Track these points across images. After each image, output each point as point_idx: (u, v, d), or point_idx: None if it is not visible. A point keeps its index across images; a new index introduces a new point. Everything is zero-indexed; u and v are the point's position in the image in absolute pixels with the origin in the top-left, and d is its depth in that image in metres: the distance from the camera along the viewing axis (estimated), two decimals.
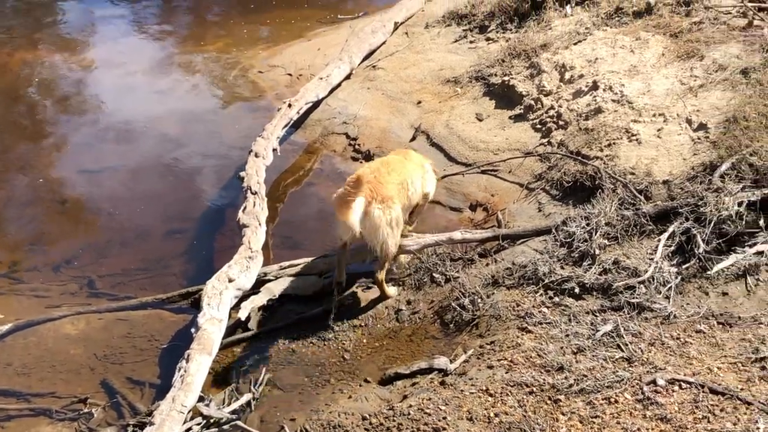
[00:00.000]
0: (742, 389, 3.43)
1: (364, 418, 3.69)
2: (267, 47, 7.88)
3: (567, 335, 3.92)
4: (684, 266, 4.13)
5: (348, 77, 7.00)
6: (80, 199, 5.96)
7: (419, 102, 6.42)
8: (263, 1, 8.68)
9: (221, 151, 6.41)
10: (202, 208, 5.73)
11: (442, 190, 5.47)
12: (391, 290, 4.67)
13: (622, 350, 3.76)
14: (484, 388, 3.68)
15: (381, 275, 4.56)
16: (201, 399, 3.85)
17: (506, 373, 3.75)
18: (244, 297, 4.56)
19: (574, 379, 3.61)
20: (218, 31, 8.29)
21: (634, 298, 4.02)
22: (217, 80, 7.45)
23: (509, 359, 3.86)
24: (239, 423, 3.85)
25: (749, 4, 5.84)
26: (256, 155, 5.62)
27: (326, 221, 5.35)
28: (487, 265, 4.63)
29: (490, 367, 3.85)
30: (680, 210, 4.35)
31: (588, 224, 4.49)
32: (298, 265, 4.85)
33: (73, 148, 6.66)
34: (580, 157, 5.11)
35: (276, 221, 5.46)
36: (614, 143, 5.11)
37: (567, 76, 5.92)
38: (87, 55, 8.17)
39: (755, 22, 5.68)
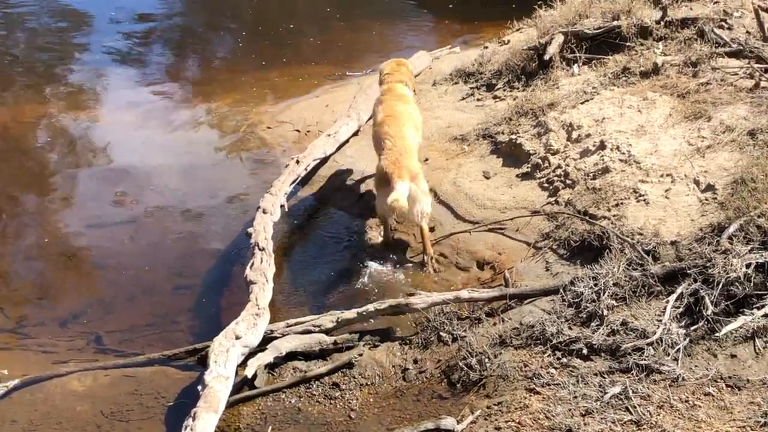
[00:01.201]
0: None
1: None
2: (275, 103, 7.94)
3: (575, 397, 3.90)
4: (692, 328, 4.12)
5: (356, 134, 7.04)
6: (87, 254, 5.98)
7: (426, 159, 6.45)
8: (273, 58, 8.75)
9: (229, 206, 6.43)
10: (209, 263, 5.73)
11: (447, 248, 5.52)
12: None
13: (631, 413, 3.74)
14: None
15: (426, 231, 5.51)
16: None
17: None
18: (251, 354, 4.54)
19: None
20: (228, 87, 8.36)
21: (642, 359, 4.00)
22: (226, 135, 7.49)
23: (517, 421, 3.84)
24: None
25: (756, 66, 5.89)
26: (264, 211, 5.63)
27: (329, 276, 5.42)
28: (495, 324, 4.61)
29: (498, 428, 3.83)
30: (688, 271, 4.34)
31: (596, 284, 4.49)
32: (305, 322, 4.84)
33: (79, 203, 6.68)
34: (587, 217, 5.12)
35: (282, 277, 5.47)
36: (622, 203, 5.12)
37: (574, 135, 5.95)
38: (95, 112, 8.22)
39: (762, 84, 5.72)
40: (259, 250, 5.19)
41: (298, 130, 7.42)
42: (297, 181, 6.25)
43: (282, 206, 5.88)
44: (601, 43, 6.84)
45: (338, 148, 6.81)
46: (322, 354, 4.69)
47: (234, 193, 6.60)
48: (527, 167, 5.98)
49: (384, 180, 5.47)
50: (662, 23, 6.61)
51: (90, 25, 10.21)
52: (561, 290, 4.59)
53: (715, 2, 6.78)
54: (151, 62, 9.29)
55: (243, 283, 4.94)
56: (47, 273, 5.75)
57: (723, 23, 6.52)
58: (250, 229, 5.44)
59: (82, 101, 8.42)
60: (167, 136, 7.60)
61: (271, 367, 4.61)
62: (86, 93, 8.59)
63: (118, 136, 7.66)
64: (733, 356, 4.00)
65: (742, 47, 6.20)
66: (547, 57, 6.84)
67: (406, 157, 5.57)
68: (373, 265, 5.52)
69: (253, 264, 5.05)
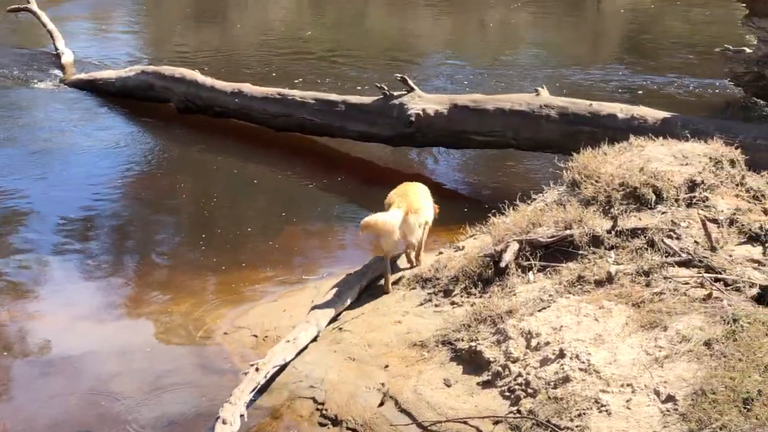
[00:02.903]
0: None
1: None
2: (233, 308, 7.93)
3: None
4: None
5: (315, 339, 7.03)
6: None
7: (386, 366, 6.45)
8: (232, 262, 8.82)
9: (190, 422, 6.32)
10: None
11: None
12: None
13: None
14: None
15: (414, 255, 7.76)
16: None
17: None
18: None
19: None
20: (186, 290, 8.36)
21: None
22: (182, 341, 7.45)
23: None
24: None
25: (706, 275, 6.07)
26: (224, 422, 5.55)
27: None
28: None
29: None
30: None
31: None
32: None
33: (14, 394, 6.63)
34: (551, 426, 5.11)
35: None
36: (584, 413, 5.14)
37: (533, 342, 6.02)
38: (32, 311, 8.16)
39: (714, 293, 5.88)
40: None
41: (255, 335, 7.40)
42: (257, 389, 6.18)
43: (242, 416, 5.79)
44: (555, 251, 7.02)
45: (297, 354, 6.78)
46: None
47: (197, 404, 6.50)
48: (488, 375, 5.99)
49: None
50: (613, 233, 6.82)
51: (32, 221, 10.18)
52: None
53: (663, 213, 7.03)
54: (97, 258, 9.23)
55: None
56: None
57: (672, 233, 6.75)
58: None
59: (19, 297, 8.36)
60: (116, 339, 7.54)
61: None
62: (24, 290, 8.51)
63: (56, 334, 7.61)
64: None
65: (691, 257, 6.41)
66: (503, 264, 6.98)
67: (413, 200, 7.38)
68: None
69: None
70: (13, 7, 16.96)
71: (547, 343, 5.94)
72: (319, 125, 11.34)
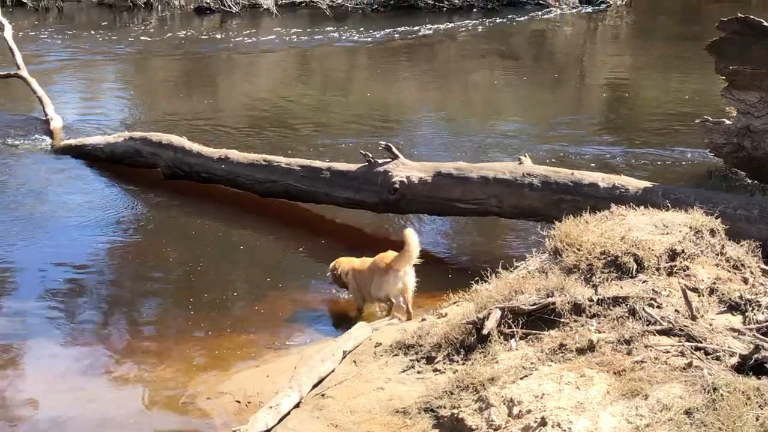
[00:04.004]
0: None
1: None
2: (216, 373, 7.94)
3: None
4: None
5: (297, 405, 7.02)
6: None
7: None
8: (217, 327, 8.84)
9: None
10: None
11: None
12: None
13: None
14: None
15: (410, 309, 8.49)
16: None
17: None
18: None
19: None
20: (170, 355, 8.36)
21: None
22: (165, 407, 7.45)
23: None
24: None
25: (687, 344, 6.14)
26: None
27: None
28: None
29: None
30: None
31: None
32: None
33: None
34: None
35: None
36: None
37: (515, 410, 6.04)
38: (13, 370, 8.17)
39: (694, 362, 5.94)
40: None
41: (238, 401, 7.38)
42: None
43: None
44: (537, 319, 7.08)
45: (280, 421, 6.77)
46: None
47: None
48: None
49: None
50: (595, 301, 6.89)
51: (15, 286, 10.18)
52: None
53: (644, 281, 7.11)
54: (81, 323, 9.20)
55: None
56: None
57: (653, 302, 6.83)
58: None
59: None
60: (99, 406, 7.51)
61: None
62: (6, 355, 8.49)
63: (40, 405, 7.56)
64: None
65: (672, 326, 6.48)
66: (485, 331, 7.02)
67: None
68: None
69: None
70: (3, 73, 17.08)
71: (529, 411, 5.96)
72: (305, 191, 11.43)
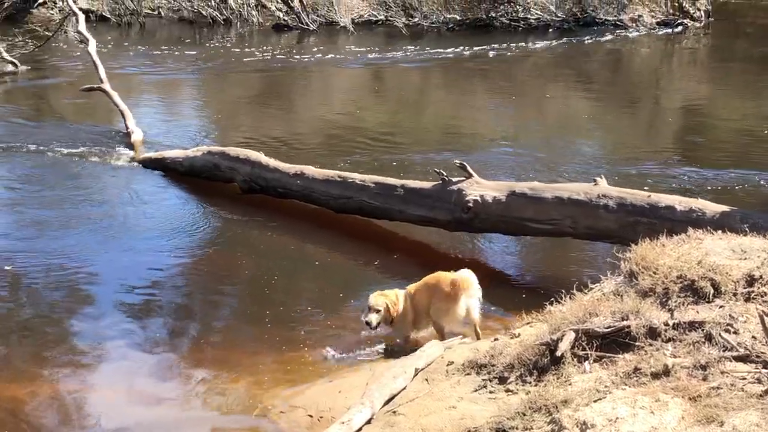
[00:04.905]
0: None
1: None
2: (289, 387, 8.04)
3: None
4: None
5: (369, 422, 7.07)
6: None
7: None
8: (290, 341, 8.97)
9: None
10: None
11: None
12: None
13: None
14: None
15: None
16: None
17: None
18: None
19: None
20: (244, 368, 8.49)
21: None
22: (238, 420, 7.59)
23: None
24: None
25: (764, 371, 6.05)
26: None
27: None
28: None
29: None
30: None
31: None
32: None
33: None
34: None
35: None
36: None
37: None
38: (89, 379, 8.37)
39: None
40: None
41: (311, 416, 7.46)
42: None
43: None
44: (611, 342, 7.03)
45: None
46: None
47: None
48: None
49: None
50: (670, 325, 6.83)
51: (92, 295, 10.42)
52: None
53: (721, 306, 7.03)
54: (156, 333, 9.42)
55: None
56: None
57: (729, 327, 6.74)
58: None
59: (77, 370, 8.55)
60: (172, 416, 7.70)
61: None
62: (82, 364, 8.70)
63: (114, 415, 7.75)
64: None
65: (749, 352, 6.39)
66: (558, 353, 7.00)
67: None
68: None
69: None
70: (86, 86, 17.57)
71: None
72: (379, 208, 11.51)
